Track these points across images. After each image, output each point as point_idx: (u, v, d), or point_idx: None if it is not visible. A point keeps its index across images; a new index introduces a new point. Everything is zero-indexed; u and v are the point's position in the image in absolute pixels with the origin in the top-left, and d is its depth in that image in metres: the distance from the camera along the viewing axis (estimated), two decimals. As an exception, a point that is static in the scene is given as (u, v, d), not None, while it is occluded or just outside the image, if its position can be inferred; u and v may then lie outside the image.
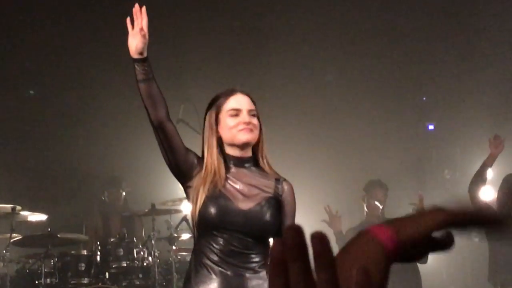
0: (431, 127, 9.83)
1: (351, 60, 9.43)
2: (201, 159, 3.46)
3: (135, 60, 3.35)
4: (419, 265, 8.40)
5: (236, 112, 3.43)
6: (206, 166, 3.39)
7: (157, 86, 3.42)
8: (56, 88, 9.07)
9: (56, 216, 7.76)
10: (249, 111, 3.45)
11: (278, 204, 3.40)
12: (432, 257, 9.31)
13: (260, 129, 3.49)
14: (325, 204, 7.64)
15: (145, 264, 7.21)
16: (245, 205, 3.33)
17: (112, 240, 7.25)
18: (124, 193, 8.30)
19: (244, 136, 3.40)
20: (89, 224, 8.09)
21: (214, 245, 3.29)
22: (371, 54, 9.41)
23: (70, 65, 9.04)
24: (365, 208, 7.28)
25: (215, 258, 3.29)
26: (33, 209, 7.26)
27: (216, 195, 3.32)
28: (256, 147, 3.49)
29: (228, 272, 3.28)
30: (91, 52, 9.05)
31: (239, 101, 3.46)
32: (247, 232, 3.29)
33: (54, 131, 9.10)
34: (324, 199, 8.89)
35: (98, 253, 7.18)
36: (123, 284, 7.15)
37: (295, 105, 9.52)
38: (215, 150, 3.41)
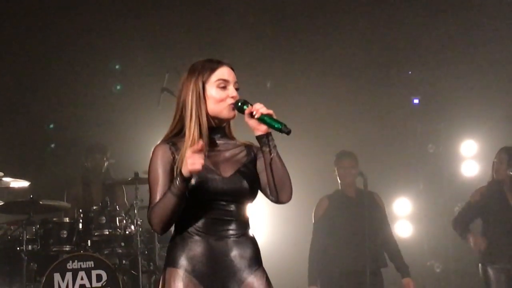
0: (416, 101, 9.82)
1: (336, 32, 9.40)
2: (174, 136, 3.41)
3: (185, 179, 3.17)
4: (401, 236, 8.48)
5: (225, 84, 3.41)
6: (192, 135, 3.35)
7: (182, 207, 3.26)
8: (39, 53, 8.99)
9: (38, 183, 7.72)
10: (235, 84, 3.44)
11: (255, 168, 3.44)
12: (413, 230, 9.40)
13: None
14: (306, 176, 7.67)
15: (127, 232, 7.21)
16: (225, 172, 3.35)
17: (94, 208, 7.24)
18: (107, 162, 8.26)
19: (232, 113, 3.40)
20: (71, 192, 8.07)
21: (198, 213, 3.31)
22: (357, 26, 9.38)
23: (55, 28, 8.96)
24: (338, 178, 7.31)
25: (199, 225, 3.31)
26: (15, 176, 7.21)
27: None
28: None
29: (211, 239, 3.30)
30: (80, 14, 8.99)
31: (227, 73, 3.44)
32: (228, 199, 3.31)
33: (37, 98, 9.03)
34: (306, 171, 8.93)
35: (81, 220, 7.17)
36: (105, 252, 7.15)
37: (279, 76, 9.50)
38: (204, 119, 3.38)
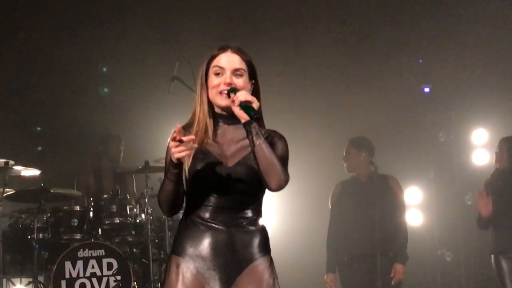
0: (426, 89, 9.79)
1: (347, 19, 9.37)
2: (191, 124, 3.43)
3: (175, 165, 3.21)
4: (411, 225, 8.47)
5: (220, 71, 3.38)
6: (197, 121, 3.38)
7: (182, 190, 3.31)
8: (49, 42, 8.99)
9: (49, 171, 7.75)
10: (235, 71, 3.39)
11: None
12: (424, 219, 9.38)
13: (255, 88, 3.46)
14: (319, 164, 7.67)
15: (138, 221, 7.23)
16: (230, 161, 3.34)
17: (105, 196, 7.25)
18: (123, 151, 8.26)
19: (223, 101, 3.36)
20: (81, 180, 8.07)
21: (204, 202, 3.32)
22: (367, 15, 9.34)
23: (64, 17, 8.97)
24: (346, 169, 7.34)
25: (205, 215, 3.32)
26: (26, 164, 7.25)
27: (204, 153, 3.33)
28: None
29: (215, 227, 3.31)
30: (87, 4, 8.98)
31: (225, 59, 3.41)
32: (232, 188, 3.30)
33: (48, 86, 9.04)
34: (319, 158, 8.93)
35: (91, 209, 7.19)
36: (116, 240, 7.17)
37: (291, 64, 9.47)
38: (206, 107, 3.40)
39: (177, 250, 3.35)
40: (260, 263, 3.35)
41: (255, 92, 3.45)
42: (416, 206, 9.40)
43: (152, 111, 8.65)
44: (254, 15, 9.37)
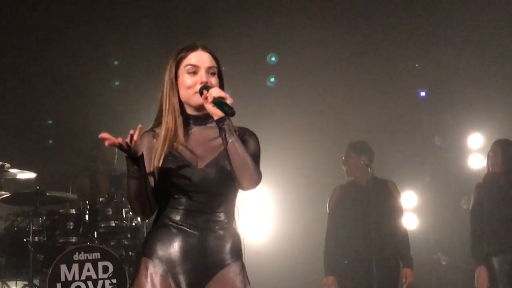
0: (422, 94, 9.81)
1: (343, 24, 9.38)
2: (159, 124, 3.38)
3: (132, 161, 3.19)
4: (407, 228, 8.47)
5: (194, 69, 3.32)
6: (166, 125, 3.32)
7: (149, 186, 3.25)
8: (45, 45, 8.98)
9: (45, 174, 7.75)
10: (208, 69, 3.34)
11: None
12: (420, 223, 9.39)
13: (221, 85, 3.40)
14: (315, 168, 7.67)
15: (133, 224, 7.22)
16: (200, 163, 3.28)
17: (101, 199, 7.25)
18: (117, 153, 8.24)
19: (199, 100, 3.29)
20: (77, 183, 8.06)
21: (175, 205, 3.27)
22: (363, 19, 9.36)
23: (60, 22, 8.96)
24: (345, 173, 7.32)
25: (176, 217, 3.28)
26: (22, 167, 7.24)
27: (174, 155, 3.28)
28: None
29: (186, 230, 3.26)
30: (83, 10, 8.97)
31: (198, 58, 3.35)
32: (202, 191, 3.26)
33: (45, 90, 9.04)
34: (317, 162, 8.93)
35: (87, 212, 7.18)
36: (112, 243, 7.17)
37: (289, 69, 9.49)
38: (176, 107, 3.33)
39: (148, 252, 3.30)
40: (231, 269, 3.30)
41: (222, 89, 3.37)
42: (411, 210, 9.41)
43: (149, 113, 8.62)
44: (257, 17, 9.36)
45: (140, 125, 3.16)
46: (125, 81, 9.47)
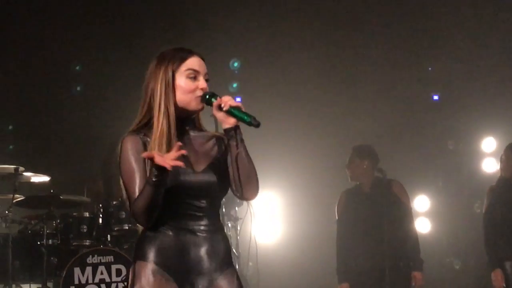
0: (435, 97, 9.79)
1: (356, 28, 9.38)
2: (143, 127, 3.31)
3: (159, 168, 3.05)
4: (419, 233, 8.44)
5: (195, 74, 3.30)
6: (160, 127, 3.24)
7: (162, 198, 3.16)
8: (58, 50, 9.02)
9: (59, 177, 7.78)
10: (205, 75, 3.34)
11: (226, 162, 3.31)
12: (432, 227, 9.37)
13: None
14: (325, 172, 7.66)
15: (147, 227, 7.22)
16: (197, 166, 3.26)
17: (114, 203, 7.26)
18: None
19: (200, 105, 3.29)
20: (91, 187, 8.09)
21: (169, 207, 3.21)
22: (377, 22, 9.35)
23: (74, 27, 9.00)
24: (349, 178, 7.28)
25: (170, 220, 3.23)
26: (36, 170, 7.28)
27: None
28: None
29: (182, 234, 3.23)
30: (99, 16, 9.01)
31: (198, 64, 3.33)
32: (200, 194, 3.24)
33: (58, 93, 9.08)
34: (327, 165, 8.92)
35: (100, 215, 7.20)
36: (125, 246, 7.18)
37: (297, 71, 9.48)
38: (172, 110, 3.26)
39: (142, 255, 3.25)
40: (233, 271, 3.31)
41: None
42: (424, 214, 9.40)
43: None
44: (258, 20, 9.36)
45: (179, 143, 3.07)
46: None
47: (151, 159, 3.03)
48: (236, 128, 3.22)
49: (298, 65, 9.47)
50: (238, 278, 3.32)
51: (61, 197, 7.14)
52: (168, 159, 3.01)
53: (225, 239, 3.34)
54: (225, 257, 3.30)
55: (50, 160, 8.85)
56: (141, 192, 3.15)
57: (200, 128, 3.39)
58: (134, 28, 9.14)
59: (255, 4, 9.37)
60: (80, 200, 7.55)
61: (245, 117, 3.18)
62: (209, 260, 3.25)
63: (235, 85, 9.39)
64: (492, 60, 9.23)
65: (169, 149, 3.17)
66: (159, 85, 3.28)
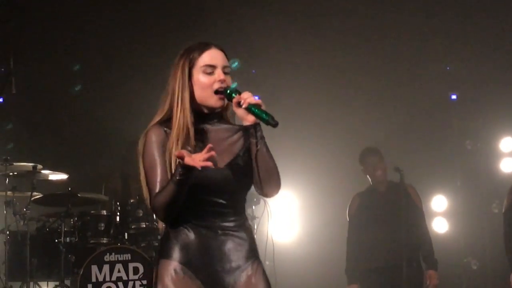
0: (454, 97, 9.74)
1: (374, 27, 9.35)
2: (166, 121, 3.32)
3: (186, 167, 3.06)
4: (437, 233, 8.43)
5: (211, 70, 3.29)
6: (178, 123, 3.26)
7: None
8: (79, 47, 9.05)
9: (77, 175, 7.80)
10: (224, 68, 3.32)
11: (250, 157, 3.29)
12: (450, 227, 9.33)
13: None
14: (341, 172, 7.66)
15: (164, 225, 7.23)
16: (219, 163, 3.23)
17: (132, 201, 7.28)
18: None
19: (218, 103, 3.28)
20: (109, 185, 8.11)
21: (191, 205, 3.21)
22: (395, 21, 9.31)
23: (96, 23, 9.01)
24: (369, 177, 7.26)
25: (193, 217, 3.24)
26: (54, 168, 7.31)
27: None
28: None
29: (206, 231, 3.23)
30: (117, 13, 9.02)
31: (213, 57, 3.31)
32: (222, 191, 3.23)
33: (77, 91, 9.10)
34: (342, 167, 8.90)
35: (118, 213, 7.22)
36: (142, 245, 7.21)
37: (314, 70, 9.46)
38: (187, 106, 3.27)
39: (167, 254, 3.26)
40: (258, 265, 3.30)
41: None
42: (442, 214, 9.36)
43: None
44: (266, 21, 9.34)
45: (210, 145, 3.07)
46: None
47: (182, 158, 3.02)
48: (255, 125, 3.22)
49: (316, 66, 9.45)
50: (264, 274, 3.31)
51: (79, 195, 7.17)
52: (197, 160, 3.01)
53: (249, 236, 3.33)
54: (249, 251, 3.29)
55: (68, 158, 8.87)
56: (163, 188, 3.16)
57: (227, 122, 3.37)
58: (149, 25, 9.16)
59: (260, 4, 9.34)
60: (98, 198, 7.57)
61: (264, 116, 3.16)
62: (231, 257, 3.24)
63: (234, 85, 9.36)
64: (511, 59, 9.17)
65: (186, 145, 3.19)
66: (177, 82, 3.30)
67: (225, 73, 3.31)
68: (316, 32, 9.38)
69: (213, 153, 3.04)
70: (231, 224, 3.26)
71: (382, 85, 9.35)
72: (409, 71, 9.33)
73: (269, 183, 3.25)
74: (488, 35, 9.25)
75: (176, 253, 3.24)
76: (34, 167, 7.01)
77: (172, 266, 3.23)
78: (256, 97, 3.23)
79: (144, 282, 6.77)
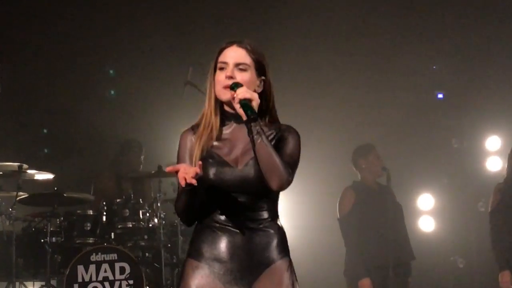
0: (440, 96, 9.78)
1: (361, 25, 9.36)
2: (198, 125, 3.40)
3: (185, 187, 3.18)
4: (424, 231, 8.46)
5: (224, 66, 3.34)
6: (204, 122, 3.35)
7: (198, 203, 3.27)
8: (67, 45, 9.02)
9: (63, 175, 7.77)
10: (237, 65, 3.34)
11: None
12: (436, 225, 9.36)
13: (265, 83, 3.39)
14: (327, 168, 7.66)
15: (150, 225, 7.24)
16: (238, 163, 3.28)
17: (118, 200, 7.27)
18: (143, 158, 8.27)
19: (226, 95, 3.30)
20: (98, 185, 8.09)
21: (217, 206, 3.28)
22: (382, 21, 9.33)
23: (85, 21, 8.99)
24: (361, 171, 7.26)
25: (219, 218, 3.29)
26: (40, 168, 7.27)
27: (213, 156, 3.29)
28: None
29: (228, 230, 3.27)
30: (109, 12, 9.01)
31: (228, 54, 3.36)
32: (241, 191, 3.26)
33: (63, 91, 9.07)
34: (331, 159, 8.91)
35: (104, 213, 7.20)
36: (128, 244, 7.19)
37: (304, 67, 9.46)
38: (213, 103, 3.34)
39: (193, 253, 3.33)
40: (279, 265, 3.30)
41: (264, 90, 3.38)
42: (428, 212, 9.38)
43: (166, 115, 8.66)
44: (268, 19, 9.35)
45: (200, 162, 3.17)
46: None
47: (176, 172, 3.12)
48: (249, 120, 3.22)
49: (305, 62, 9.45)
50: (289, 269, 3.31)
51: (64, 194, 7.14)
52: (188, 175, 3.08)
53: (276, 232, 3.33)
54: (273, 250, 3.30)
55: (54, 157, 8.85)
56: (178, 194, 3.28)
57: (264, 121, 3.38)
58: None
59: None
60: (84, 197, 7.54)
61: (248, 112, 3.19)
62: (250, 256, 3.27)
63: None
64: (497, 58, 9.21)
65: (208, 144, 3.30)
66: (208, 81, 3.40)
67: (240, 69, 3.33)
68: (303, 34, 9.40)
69: (198, 170, 3.10)
70: (256, 222, 3.29)
71: (368, 84, 9.36)
72: (395, 70, 9.35)
73: (270, 178, 3.23)
74: (474, 34, 9.28)
75: (201, 252, 3.30)
76: (20, 167, 6.96)
77: (193, 265, 3.29)
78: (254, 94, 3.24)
79: (131, 282, 6.75)
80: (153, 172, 7.40)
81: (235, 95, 3.22)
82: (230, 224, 3.28)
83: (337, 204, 7.22)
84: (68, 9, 8.93)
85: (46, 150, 8.94)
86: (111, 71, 9.60)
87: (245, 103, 3.20)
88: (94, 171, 8.40)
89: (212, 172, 3.26)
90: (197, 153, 3.29)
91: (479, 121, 9.35)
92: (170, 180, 7.43)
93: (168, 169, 3.17)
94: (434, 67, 9.72)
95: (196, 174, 3.09)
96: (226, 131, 3.35)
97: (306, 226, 9.21)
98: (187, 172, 3.09)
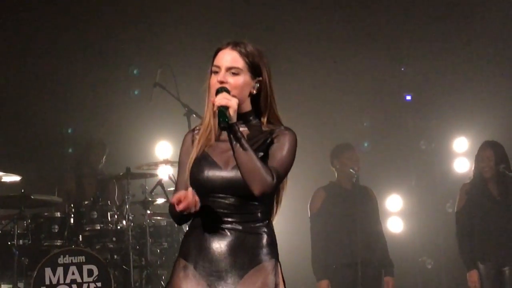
0: (408, 97, 9.83)
1: (330, 27, 9.39)
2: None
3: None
4: (392, 232, 8.50)
5: (217, 70, 3.34)
6: (204, 124, 3.39)
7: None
8: (31, 48, 8.95)
9: (30, 177, 7.70)
10: (229, 69, 3.32)
11: (262, 158, 3.29)
12: (405, 226, 9.41)
13: (261, 85, 3.38)
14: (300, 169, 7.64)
15: (119, 227, 7.21)
16: (227, 165, 3.29)
17: (86, 203, 7.23)
18: (105, 158, 8.23)
19: (216, 102, 3.27)
20: (62, 187, 8.04)
21: (207, 206, 3.27)
22: (349, 23, 9.37)
23: (49, 25, 8.93)
24: (337, 170, 7.26)
25: (203, 218, 3.30)
26: (6, 170, 7.20)
27: (205, 157, 3.31)
28: (257, 100, 3.39)
29: (222, 232, 3.28)
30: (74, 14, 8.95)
31: (221, 57, 3.35)
32: (228, 192, 3.27)
33: (28, 93, 9.00)
34: (303, 165, 8.90)
35: (72, 215, 7.16)
36: (97, 247, 7.15)
37: (280, 69, 9.45)
38: (210, 105, 3.33)
39: (183, 253, 3.34)
40: (264, 267, 3.28)
41: (261, 90, 3.39)
42: (397, 213, 9.43)
43: (134, 117, 8.63)
44: (248, 20, 9.34)
45: (197, 199, 3.21)
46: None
47: (178, 204, 3.19)
48: (229, 127, 3.21)
49: (280, 65, 9.45)
50: (274, 270, 3.29)
51: (32, 196, 7.08)
52: (190, 204, 3.17)
53: (265, 234, 3.32)
54: (262, 251, 3.29)
55: (21, 159, 8.77)
56: (171, 204, 3.30)
57: (262, 122, 3.40)
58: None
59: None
60: (51, 200, 7.49)
61: (219, 118, 3.20)
62: (234, 258, 3.26)
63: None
64: (464, 61, 9.28)
65: (206, 145, 3.33)
66: (206, 84, 3.40)
67: (232, 73, 3.32)
68: (277, 37, 9.42)
69: (197, 205, 3.20)
70: (238, 225, 3.28)
71: (337, 85, 9.38)
72: (364, 72, 9.39)
73: (252, 183, 3.20)
74: (443, 36, 9.35)
75: (184, 251, 3.33)
76: (-14, 169, 6.91)
77: (181, 264, 3.32)
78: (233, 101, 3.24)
79: (99, 284, 6.71)
80: (121, 174, 7.36)
81: (214, 102, 3.23)
82: (218, 225, 3.27)
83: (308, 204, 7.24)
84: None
85: (12, 152, 8.84)
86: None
87: (221, 110, 3.19)
88: (59, 173, 8.34)
89: (201, 173, 3.28)
90: (193, 155, 3.33)
91: (447, 122, 9.43)
92: (139, 182, 7.40)
93: (172, 201, 3.22)
94: (402, 69, 9.78)
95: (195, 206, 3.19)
96: (225, 133, 3.32)
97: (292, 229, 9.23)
98: (189, 202, 3.17)
